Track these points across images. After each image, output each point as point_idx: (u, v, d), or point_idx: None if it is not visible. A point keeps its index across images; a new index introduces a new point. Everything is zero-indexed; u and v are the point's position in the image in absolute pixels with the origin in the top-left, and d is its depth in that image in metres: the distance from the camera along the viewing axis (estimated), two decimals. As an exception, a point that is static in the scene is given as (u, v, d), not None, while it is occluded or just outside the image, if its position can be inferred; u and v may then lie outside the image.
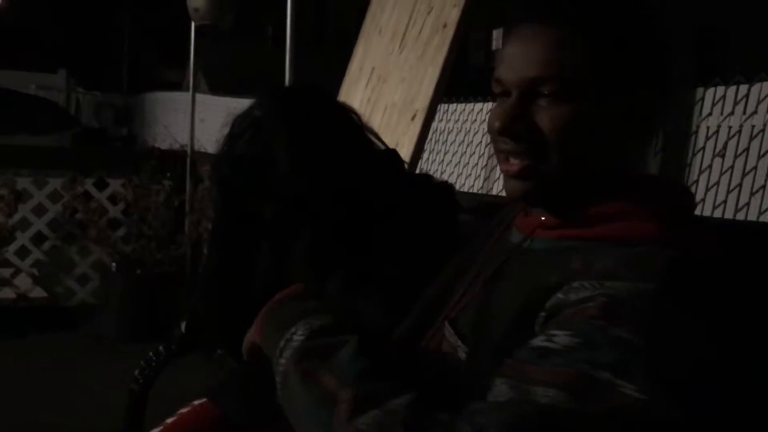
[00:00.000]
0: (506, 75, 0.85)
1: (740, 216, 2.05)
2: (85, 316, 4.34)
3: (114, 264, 4.36)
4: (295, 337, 0.85)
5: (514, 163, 0.85)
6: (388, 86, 2.29)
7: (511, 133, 0.84)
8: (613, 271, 0.74)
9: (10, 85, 10.38)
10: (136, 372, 1.72)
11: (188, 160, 4.76)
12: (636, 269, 0.74)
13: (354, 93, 2.50)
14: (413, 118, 2.03)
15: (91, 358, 3.82)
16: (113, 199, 4.69)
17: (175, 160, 4.79)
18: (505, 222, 1.00)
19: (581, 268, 0.78)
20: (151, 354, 1.71)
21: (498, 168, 3.32)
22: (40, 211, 4.58)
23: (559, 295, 0.76)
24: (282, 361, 0.84)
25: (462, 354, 0.89)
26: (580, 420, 0.64)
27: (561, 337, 0.69)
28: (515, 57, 0.84)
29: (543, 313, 0.77)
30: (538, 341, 0.71)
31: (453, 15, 2.15)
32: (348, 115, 1.32)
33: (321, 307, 0.91)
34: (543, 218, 0.88)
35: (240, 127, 1.31)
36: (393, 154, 1.34)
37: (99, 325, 4.25)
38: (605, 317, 0.70)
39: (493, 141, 0.89)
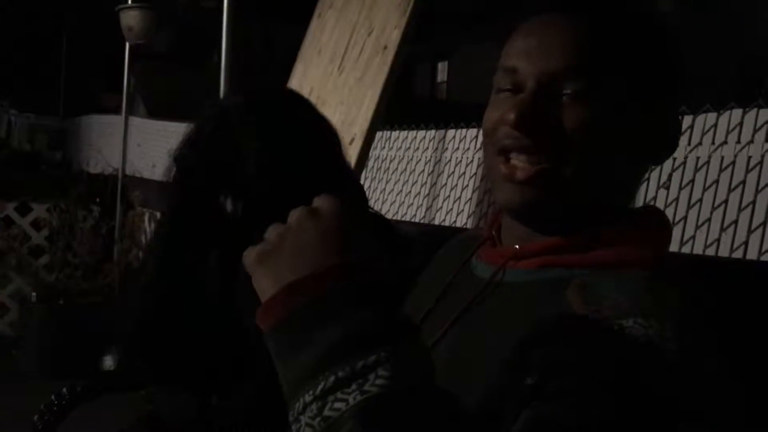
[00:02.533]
0: (524, 66, 0.71)
1: (737, 255, 1.93)
2: (3, 349, 4.08)
3: (34, 294, 4.10)
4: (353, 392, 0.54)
5: (524, 167, 0.71)
6: (327, 108, 2.18)
7: (529, 127, 0.70)
8: (631, 309, 0.62)
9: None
10: (36, 417, 1.54)
11: (119, 185, 4.56)
12: (654, 305, 0.63)
13: None
14: (351, 142, 1.92)
15: (6, 395, 3.57)
16: (36, 225, 4.45)
17: (105, 184, 4.59)
18: (463, 256, 0.85)
19: (586, 303, 0.65)
20: (53, 397, 1.54)
21: (440, 198, 3.24)
22: (-45, 236, 4.31)
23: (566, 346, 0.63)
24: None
25: None
26: None
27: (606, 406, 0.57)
28: (536, 48, 0.71)
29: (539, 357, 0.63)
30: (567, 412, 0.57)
31: (394, 36, 2.07)
32: (325, 122, 1.23)
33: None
34: (517, 246, 0.75)
35: (208, 115, 1.20)
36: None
37: (17, 359, 4.01)
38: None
39: (494, 139, 0.74)
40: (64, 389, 1.55)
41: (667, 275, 0.68)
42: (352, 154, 1.89)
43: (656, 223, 0.75)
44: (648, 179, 2.22)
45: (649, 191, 2.19)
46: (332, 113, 2.17)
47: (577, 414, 0.56)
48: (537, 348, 0.63)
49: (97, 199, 4.49)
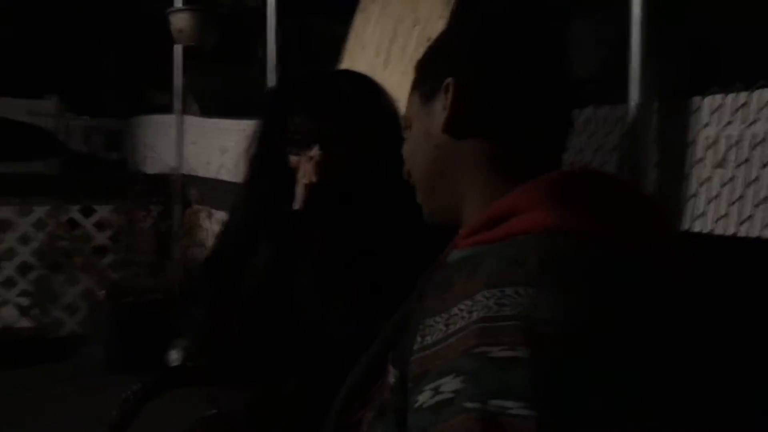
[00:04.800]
0: None
1: (743, 229, 1.96)
2: (74, 347, 4.24)
3: (102, 293, 4.26)
4: None
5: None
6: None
7: None
8: (487, 281, 0.68)
9: (0, 113, 10.29)
10: (113, 412, 1.63)
11: (176, 184, 4.68)
12: (507, 275, 0.68)
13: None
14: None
15: (81, 390, 3.72)
16: (100, 225, 4.60)
17: (162, 184, 4.72)
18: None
19: (462, 285, 0.71)
20: (128, 392, 1.62)
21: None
22: (25, 240, 4.49)
23: (430, 335, 0.69)
24: None
25: (391, 379, 0.81)
26: None
27: (448, 384, 0.62)
28: None
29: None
30: (428, 399, 0.63)
31: (438, 28, 2.08)
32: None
33: None
34: (460, 231, 0.83)
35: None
36: None
37: (88, 355, 4.16)
38: (482, 342, 0.63)
39: None
40: (139, 384, 1.63)
41: (572, 234, 0.71)
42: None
43: (549, 186, 0.76)
44: (703, 159, 2.22)
45: (704, 171, 2.19)
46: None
47: None
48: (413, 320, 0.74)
49: (155, 199, 4.61)
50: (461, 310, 0.67)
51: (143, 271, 4.32)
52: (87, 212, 4.63)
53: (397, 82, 2.21)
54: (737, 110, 2.11)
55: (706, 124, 2.30)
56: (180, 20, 4.08)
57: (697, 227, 2.17)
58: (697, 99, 2.24)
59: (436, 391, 0.63)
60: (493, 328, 0.63)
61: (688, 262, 0.84)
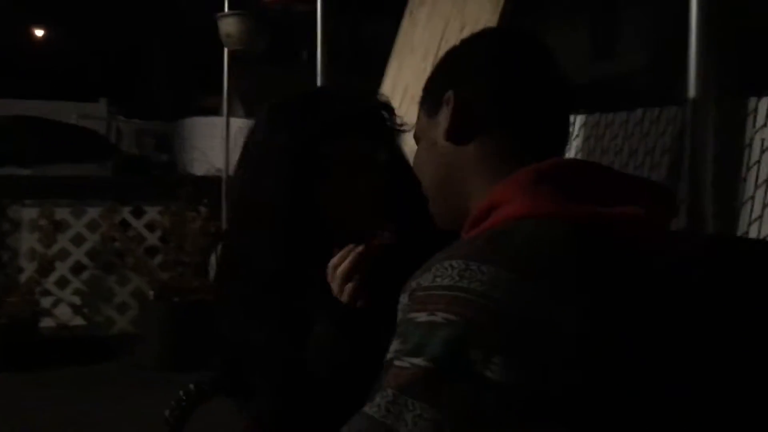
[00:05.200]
0: None
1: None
2: (125, 345, 4.33)
3: (152, 292, 4.34)
4: None
5: None
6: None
7: None
8: (437, 256, 0.77)
9: (53, 116, 10.59)
10: (167, 413, 1.65)
11: (223, 186, 4.74)
12: (456, 249, 0.76)
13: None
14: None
15: (131, 388, 3.79)
16: (150, 226, 4.70)
17: (211, 185, 4.78)
18: None
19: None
20: (181, 393, 1.64)
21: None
22: (78, 240, 4.60)
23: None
24: None
25: None
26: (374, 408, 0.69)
27: (392, 345, 0.73)
28: None
29: None
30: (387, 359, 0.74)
31: (487, 31, 2.07)
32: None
33: None
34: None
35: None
36: None
37: (139, 354, 4.24)
38: (413, 308, 0.73)
39: None
40: (192, 385, 1.65)
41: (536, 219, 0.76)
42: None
43: (524, 178, 0.81)
44: (759, 162, 2.17)
45: (761, 174, 2.14)
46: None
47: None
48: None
49: (204, 200, 4.68)
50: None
51: (191, 271, 4.39)
52: (138, 213, 4.73)
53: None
54: (797, 112, 2.06)
55: (764, 126, 2.25)
56: (228, 25, 4.14)
57: (753, 232, 2.12)
58: (753, 100, 2.20)
59: (387, 353, 0.73)
60: (425, 296, 0.73)
61: (692, 255, 0.88)
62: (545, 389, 0.68)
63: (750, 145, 2.17)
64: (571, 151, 2.93)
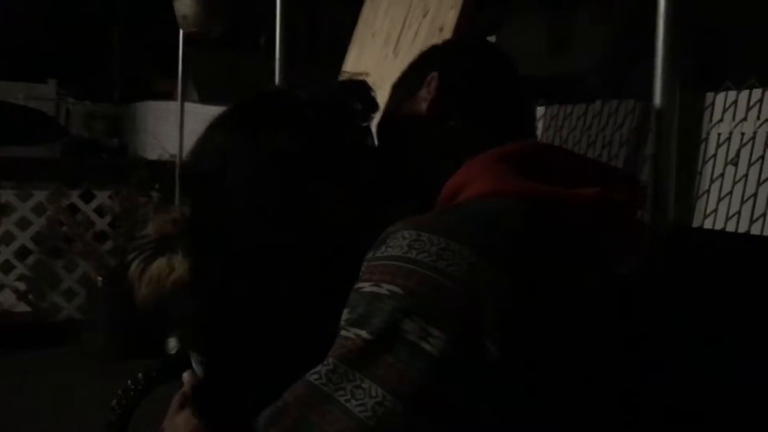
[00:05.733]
0: None
1: (755, 228, 1.94)
2: (72, 332, 4.22)
3: (100, 278, 4.23)
4: None
5: None
6: (382, 93, 2.18)
7: None
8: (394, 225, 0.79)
9: (-1, 96, 10.25)
10: (114, 402, 1.60)
11: (177, 171, 4.65)
12: (411, 221, 0.77)
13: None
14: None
15: (78, 376, 3.71)
16: (100, 211, 4.57)
17: (163, 170, 4.68)
18: None
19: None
20: (129, 381, 1.59)
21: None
22: (24, 224, 4.46)
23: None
24: None
25: None
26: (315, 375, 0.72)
27: (343, 315, 0.75)
28: None
29: None
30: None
31: (450, 18, 2.05)
32: None
33: None
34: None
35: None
36: None
37: (86, 341, 4.14)
38: (362, 278, 0.75)
39: None
40: (140, 373, 1.60)
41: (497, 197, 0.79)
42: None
43: (490, 159, 0.86)
44: (715, 156, 2.21)
45: (716, 168, 2.17)
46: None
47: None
48: None
49: (157, 185, 4.58)
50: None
51: (143, 257, 4.28)
52: (87, 197, 4.60)
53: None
54: (751, 107, 2.09)
55: (720, 120, 2.28)
56: (184, 6, 4.04)
57: (708, 224, 2.15)
58: (710, 95, 2.22)
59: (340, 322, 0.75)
60: (373, 267, 0.75)
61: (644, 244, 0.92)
62: (477, 364, 0.68)
63: (706, 139, 2.19)
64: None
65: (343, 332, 0.72)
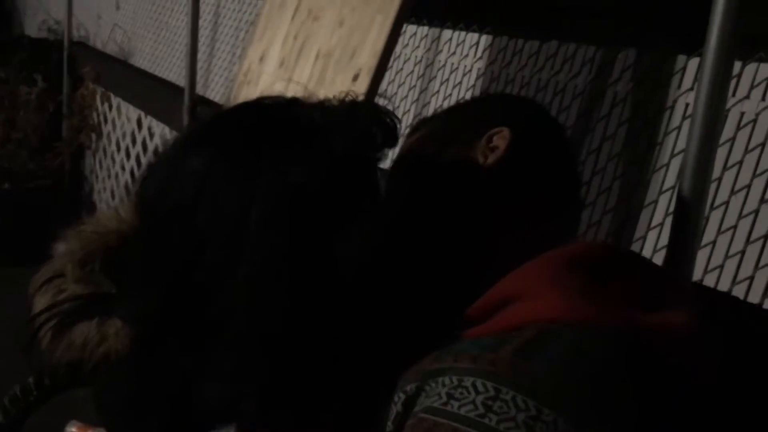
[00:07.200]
0: None
1: (716, 214, 1.83)
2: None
3: (-23, 175, 3.80)
4: None
5: None
6: (322, 27, 1.85)
7: None
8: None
9: None
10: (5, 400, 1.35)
11: (65, 51, 4.13)
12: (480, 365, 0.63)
13: (277, 23, 2.05)
14: (355, 79, 1.62)
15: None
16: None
17: (50, 51, 4.15)
18: None
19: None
20: (17, 392, 1.34)
21: (430, 107, 2.95)
22: None
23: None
24: None
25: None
26: None
27: None
28: None
29: None
30: None
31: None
32: None
33: None
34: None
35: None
36: None
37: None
38: None
39: None
40: (30, 379, 1.35)
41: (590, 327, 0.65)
42: (356, 94, 1.60)
43: (551, 266, 0.72)
44: (679, 128, 2.05)
45: (679, 141, 2.02)
46: (329, 35, 1.86)
47: None
48: None
49: (41, 67, 4.08)
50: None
51: (26, 152, 3.85)
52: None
53: (352, 8, 1.86)
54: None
55: (690, 89, 2.09)
56: None
57: (663, 201, 2.02)
58: (682, 58, 2.01)
59: None
60: (432, 426, 0.59)
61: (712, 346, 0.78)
62: None
63: (672, 107, 2.00)
64: (472, 74, 2.71)
65: None
